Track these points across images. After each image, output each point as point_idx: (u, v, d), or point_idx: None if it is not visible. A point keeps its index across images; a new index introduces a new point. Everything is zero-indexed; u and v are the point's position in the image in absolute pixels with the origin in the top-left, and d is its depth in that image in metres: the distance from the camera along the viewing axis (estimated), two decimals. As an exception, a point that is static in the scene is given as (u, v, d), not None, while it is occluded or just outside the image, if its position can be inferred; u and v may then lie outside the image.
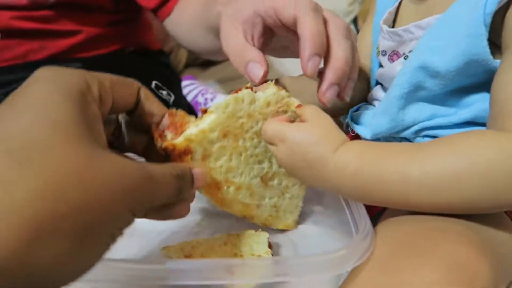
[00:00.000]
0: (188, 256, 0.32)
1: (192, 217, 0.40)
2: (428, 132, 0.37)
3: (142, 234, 0.36)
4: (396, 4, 0.44)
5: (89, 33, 0.65)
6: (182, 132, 0.30)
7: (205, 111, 0.32)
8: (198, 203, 0.40)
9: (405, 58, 0.40)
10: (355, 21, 1.11)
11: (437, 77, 0.34)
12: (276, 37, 0.38)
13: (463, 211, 0.29)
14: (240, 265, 0.28)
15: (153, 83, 0.62)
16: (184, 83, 0.81)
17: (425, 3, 0.40)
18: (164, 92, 0.62)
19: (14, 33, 0.62)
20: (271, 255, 0.33)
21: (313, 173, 0.31)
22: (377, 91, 0.44)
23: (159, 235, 0.38)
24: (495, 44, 0.32)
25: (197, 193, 0.32)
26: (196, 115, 0.77)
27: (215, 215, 0.41)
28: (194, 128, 0.31)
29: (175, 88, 0.69)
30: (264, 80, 0.33)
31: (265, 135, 0.33)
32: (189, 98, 0.80)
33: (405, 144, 0.34)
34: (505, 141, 0.27)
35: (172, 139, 0.30)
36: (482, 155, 0.27)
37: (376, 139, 0.40)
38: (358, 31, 1.06)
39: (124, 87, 0.28)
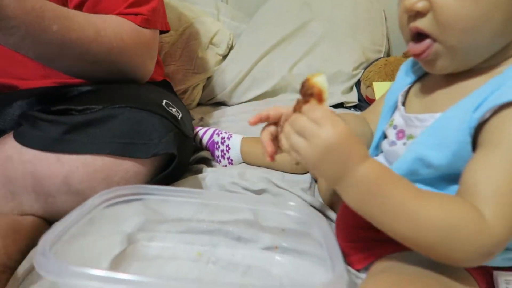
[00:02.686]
0: None
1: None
2: None
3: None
4: (406, 88, 0.52)
5: None
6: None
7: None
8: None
9: (407, 139, 0.47)
10: (358, 83, 1.20)
11: (431, 168, 0.42)
12: None
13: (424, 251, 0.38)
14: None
15: (164, 101, 0.66)
16: (197, 128, 0.87)
17: (425, 99, 0.48)
18: (174, 109, 0.67)
19: None
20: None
21: (342, 167, 0.37)
22: (380, 161, 0.51)
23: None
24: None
25: None
26: (213, 155, 0.83)
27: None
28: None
29: (183, 110, 0.74)
30: None
31: (315, 114, 0.38)
32: (205, 139, 0.84)
33: (410, 184, 0.39)
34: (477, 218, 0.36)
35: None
36: (452, 218, 0.36)
37: None
38: (360, 94, 1.17)
39: None
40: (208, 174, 0.68)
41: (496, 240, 0.36)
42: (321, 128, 0.37)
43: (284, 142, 0.41)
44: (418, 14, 0.42)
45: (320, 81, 0.40)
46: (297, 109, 0.41)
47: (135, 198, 0.49)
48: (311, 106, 0.39)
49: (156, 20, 0.74)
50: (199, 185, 0.65)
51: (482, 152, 0.39)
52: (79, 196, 0.55)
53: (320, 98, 0.40)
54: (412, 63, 0.54)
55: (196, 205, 0.52)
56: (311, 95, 0.40)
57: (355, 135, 0.38)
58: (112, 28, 0.65)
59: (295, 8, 1.27)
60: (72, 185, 0.56)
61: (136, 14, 0.71)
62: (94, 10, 0.67)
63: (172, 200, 0.48)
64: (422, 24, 0.42)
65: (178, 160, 0.61)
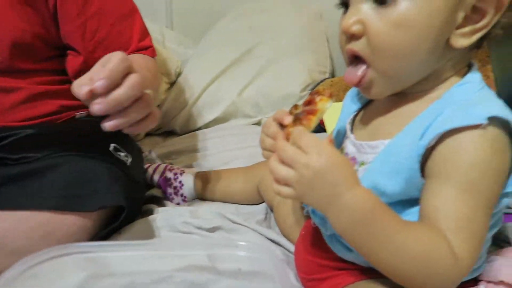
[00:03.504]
0: None
1: None
2: None
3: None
4: (353, 115, 0.53)
5: (33, 90, 0.65)
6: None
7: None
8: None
9: (360, 165, 0.48)
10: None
11: (384, 196, 0.43)
12: None
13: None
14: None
15: (111, 145, 0.64)
16: (147, 165, 0.84)
17: (373, 125, 0.49)
18: (122, 154, 0.64)
19: None
20: None
21: (332, 193, 0.38)
22: None
23: None
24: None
25: None
26: (165, 192, 0.80)
27: None
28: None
29: (133, 150, 0.71)
30: None
31: (301, 141, 0.39)
32: (156, 176, 0.81)
33: (398, 217, 0.40)
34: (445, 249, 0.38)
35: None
36: (431, 252, 0.38)
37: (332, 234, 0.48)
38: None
39: None
40: (158, 215, 0.65)
41: (465, 270, 0.39)
42: (308, 156, 0.37)
43: (271, 176, 0.41)
44: (354, 37, 0.43)
45: (325, 106, 0.45)
46: (292, 112, 0.46)
47: (76, 255, 0.46)
48: (298, 133, 0.39)
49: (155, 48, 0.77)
50: (149, 229, 0.62)
51: (435, 184, 0.40)
52: (15, 256, 0.50)
53: (313, 114, 0.44)
54: (357, 90, 0.55)
55: (144, 256, 0.50)
56: (309, 112, 0.45)
57: (347, 162, 0.39)
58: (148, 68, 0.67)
59: (241, 32, 1.27)
60: (7, 245, 0.51)
61: (147, 48, 0.72)
62: (110, 47, 0.66)
63: (118, 255, 0.45)
64: (357, 47, 0.43)
65: (128, 209, 0.58)
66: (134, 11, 0.74)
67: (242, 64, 1.22)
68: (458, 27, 0.41)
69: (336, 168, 0.38)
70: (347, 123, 0.53)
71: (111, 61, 0.46)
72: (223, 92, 1.19)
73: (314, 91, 0.46)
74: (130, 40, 0.69)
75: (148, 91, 0.51)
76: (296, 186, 0.38)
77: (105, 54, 0.53)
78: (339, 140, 0.54)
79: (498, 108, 0.40)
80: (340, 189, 0.38)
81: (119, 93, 0.45)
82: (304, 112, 0.45)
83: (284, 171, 0.39)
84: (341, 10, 0.46)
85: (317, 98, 0.45)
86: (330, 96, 0.45)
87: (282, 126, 0.46)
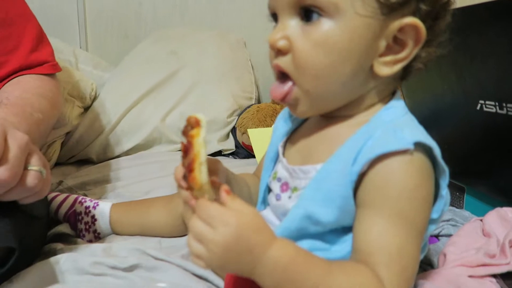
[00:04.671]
0: None
1: None
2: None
3: None
4: (285, 139, 0.52)
5: None
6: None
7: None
8: None
9: (292, 191, 0.46)
10: (233, 130, 1.19)
11: (319, 225, 0.42)
12: None
13: None
14: None
15: None
16: (50, 195, 0.73)
17: (304, 149, 0.48)
18: None
19: None
20: None
21: (251, 259, 0.35)
22: (268, 215, 0.50)
23: None
24: None
25: None
26: (75, 228, 0.70)
27: None
28: None
29: None
30: None
31: (204, 214, 0.35)
32: (63, 210, 0.70)
33: (321, 260, 0.39)
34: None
35: None
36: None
37: None
38: (237, 141, 1.16)
39: None
40: (63, 256, 0.55)
41: None
42: (213, 232, 0.35)
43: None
44: (280, 52, 0.42)
45: (200, 143, 0.37)
46: (183, 149, 0.39)
47: None
48: (200, 206, 0.36)
49: (57, 63, 0.71)
50: (49, 274, 0.52)
51: (366, 215, 0.40)
52: None
53: (197, 124, 0.37)
54: (288, 112, 0.53)
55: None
56: (190, 127, 0.38)
57: (254, 216, 0.36)
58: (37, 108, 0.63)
59: (162, 56, 1.23)
60: None
61: (42, 63, 0.66)
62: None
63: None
64: (282, 63, 0.42)
65: (21, 251, 0.48)
66: (27, 17, 0.67)
67: (164, 88, 1.17)
68: (381, 55, 0.42)
69: (247, 232, 0.35)
70: (279, 146, 0.51)
71: None
72: (145, 117, 1.13)
73: (186, 123, 0.39)
74: (17, 49, 0.63)
75: (35, 168, 0.48)
76: (211, 263, 0.36)
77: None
78: (271, 165, 0.52)
79: (421, 134, 0.41)
80: (256, 255, 0.35)
81: None
82: (186, 169, 0.38)
83: (196, 248, 0.36)
84: (266, 37, 0.44)
85: (190, 134, 0.37)
86: (196, 122, 0.38)
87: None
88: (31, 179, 0.47)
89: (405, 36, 0.41)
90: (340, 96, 0.44)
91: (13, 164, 0.45)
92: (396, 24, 0.40)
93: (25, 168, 0.47)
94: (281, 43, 0.42)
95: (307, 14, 0.40)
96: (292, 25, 0.42)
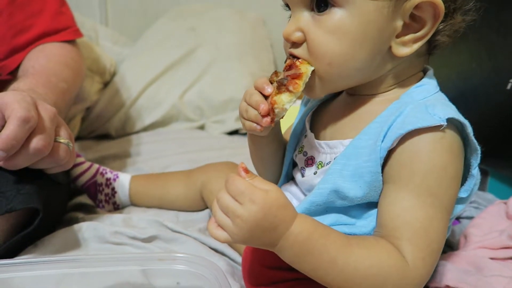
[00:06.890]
0: None
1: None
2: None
3: None
4: (311, 113, 0.52)
5: None
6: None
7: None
8: None
9: (317, 166, 0.46)
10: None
11: (346, 200, 0.42)
12: None
13: None
14: None
15: None
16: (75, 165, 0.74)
17: (331, 124, 0.48)
18: None
19: None
20: None
21: (275, 235, 0.36)
22: (293, 189, 0.50)
23: None
24: None
25: None
26: (94, 199, 0.71)
27: None
28: None
29: None
30: None
31: (233, 189, 0.36)
32: (84, 179, 0.72)
33: (340, 234, 0.39)
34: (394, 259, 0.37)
35: None
36: (379, 267, 0.37)
37: None
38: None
39: None
40: (85, 225, 0.56)
41: (417, 281, 0.38)
42: (241, 207, 0.36)
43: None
44: (295, 45, 0.43)
45: (309, 69, 0.42)
46: (272, 80, 0.44)
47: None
48: (230, 180, 0.37)
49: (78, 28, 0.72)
50: (72, 240, 0.53)
51: (393, 190, 0.40)
52: None
53: (299, 78, 0.42)
54: None
55: (65, 275, 0.41)
56: (294, 76, 0.42)
57: (278, 194, 0.37)
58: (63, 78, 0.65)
59: (181, 33, 1.22)
60: None
61: (65, 29, 0.67)
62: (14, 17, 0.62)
63: (29, 275, 0.37)
64: (298, 53, 0.43)
65: (45, 214, 0.49)
66: None
67: (182, 66, 1.17)
68: (398, 36, 0.41)
69: (273, 210, 0.36)
70: (306, 120, 0.52)
71: (8, 127, 0.42)
72: (164, 95, 1.13)
73: (288, 56, 0.44)
74: (42, 12, 0.65)
75: (63, 141, 0.50)
76: (235, 237, 0.37)
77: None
78: (296, 139, 0.53)
79: (453, 111, 0.40)
80: (279, 232, 0.37)
81: (17, 161, 0.45)
82: (287, 78, 0.42)
83: (223, 219, 0.37)
84: (285, 15, 0.46)
85: (298, 61, 0.42)
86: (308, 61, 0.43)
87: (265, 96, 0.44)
88: (61, 151, 0.48)
89: (422, 13, 0.40)
90: (354, 79, 0.44)
91: (47, 134, 0.45)
92: (411, 2, 0.39)
93: (54, 141, 0.48)
94: (296, 36, 0.42)
95: (318, 4, 0.41)
96: (304, 16, 0.42)
